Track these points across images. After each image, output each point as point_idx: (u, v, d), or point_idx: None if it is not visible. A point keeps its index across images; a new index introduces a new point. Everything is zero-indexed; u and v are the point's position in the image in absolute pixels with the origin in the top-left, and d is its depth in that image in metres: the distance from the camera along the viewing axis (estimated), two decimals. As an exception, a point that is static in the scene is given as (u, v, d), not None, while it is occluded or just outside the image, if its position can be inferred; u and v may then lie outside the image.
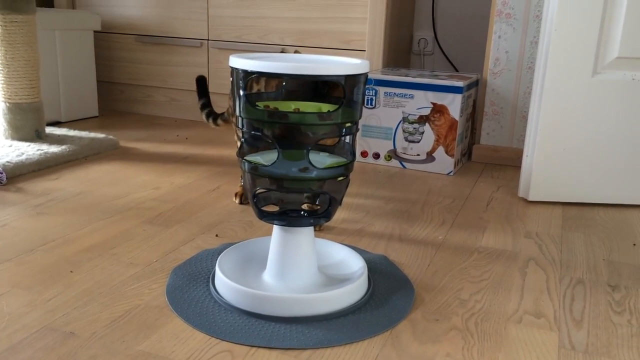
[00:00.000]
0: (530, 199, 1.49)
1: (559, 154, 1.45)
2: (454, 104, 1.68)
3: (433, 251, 1.16)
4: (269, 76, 0.81)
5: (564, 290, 1.01)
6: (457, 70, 2.25)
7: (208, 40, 2.18)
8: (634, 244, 1.24)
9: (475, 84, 1.85)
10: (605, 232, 1.31)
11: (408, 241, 1.20)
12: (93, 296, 0.91)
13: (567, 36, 1.37)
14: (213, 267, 1.01)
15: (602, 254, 1.18)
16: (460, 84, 1.67)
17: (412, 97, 1.71)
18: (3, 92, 1.69)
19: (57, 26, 2.08)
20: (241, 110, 0.85)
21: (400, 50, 2.19)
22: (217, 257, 1.05)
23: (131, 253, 1.08)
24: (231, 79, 0.86)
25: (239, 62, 0.83)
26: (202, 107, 1.50)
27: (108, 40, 2.35)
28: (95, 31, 2.28)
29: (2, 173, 1.42)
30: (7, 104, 1.70)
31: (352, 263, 1.00)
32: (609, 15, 1.36)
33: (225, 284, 0.90)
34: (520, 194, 1.52)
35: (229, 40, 2.15)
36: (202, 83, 1.49)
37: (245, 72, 0.82)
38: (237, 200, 1.37)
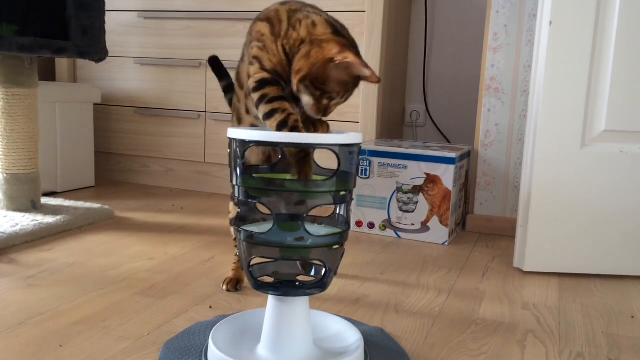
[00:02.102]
0: (526, 269, 1.49)
1: (553, 225, 1.46)
2: (447, 175, 1.70)
3: (430, 323, 1.14)
4: (266, 145, 0.83)
5: (564, 364, 0.99)
6: (449, 142, 2.30)
7: (205, 112, 2.24)
8: (632, 316, 1.23)
9: (467, 155, 1.89)
10: (603, 304, 1.30)
11: (405, 312, 1.19)
12: (82, 371, 0.89)
13: (555, 110, 1.41)
14: (206, 340, 0.99)
15: (600, 327, 1.17)
16: (452, 154, 1.70)
17: (405, 167, 1.74)
18: (1, 163, 1.71)
19: (58, 99, 2.13)
20: (238, 179, 0.86)
21: (393, 122, 2.24)
22: (211, 329, 1.03)
23: (123, 326, 1.06)
24: (229, 150, 0.88)
25: (236, 132, 0.85)
26: (225, 90, 1.31)
27: (107, 112, 2.40)
28: (95, 104, 2.34)
29: (-5, 243, 1.41)
30: (5, 175, 1.71)
31: (348, 336, 0.98)
32: (594, 90, 1.41)
33: (218, 358, 0.88)
34: (516, 264, 1.52)
35: (226, 112, 2.20)
36: (216, 63, 1.31)
37: (243, 141, 0.84)
38: (225, 287, 1.26)
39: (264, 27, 0.97)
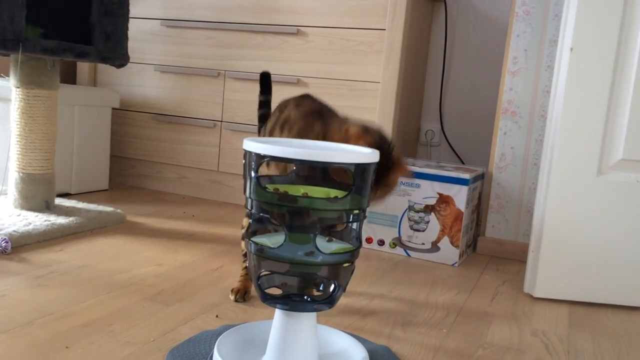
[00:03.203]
0: (536, 295, 1.47)
1: (566, 252, 1.45)
2: (460, 195, 1.69)
3: (437, 344, 1.13)
4: (281, 160, 0.83)
5: (572, 394, 0.98)
6: (463, 163, 2.29)
7: (221, 121, 2.25)
8: (644, 348, 1.21)
9: (481, 176, 1.88)
10: (614, 335, 1.28)
11: (412, 332, 1.18)
12: (86, 374, 0.89)
13: (572, 136, 1.40)
14: (212, 349, 0.99)
15: (610, 358, 1.15)
16: (466, 176, 1.69)
17: (418, 186, 1.73)
18: (18, 162, 1.73)
19: (77, 102, 2.15)
20: (251, 191, 0.86)
21: (408, 140, 2.24)
22: (216, 339, 1.03)
23: (129, 331, 1.06)
24: (243, 161, 0.88)
25: (252, 145, 0.85)
26: (261, 105, 1.36)
27: (125, 117, 2.43)
28: (113, 108, 2.36)
29: (7, 242, 1.42)
30: (21, 174, 1.73)
31: (354, 353, 0.97)
32: (613, 118, 1.40)
33: (222, 369, 0.87)
34: (526, 289, 1.50)
35: (241, 122, 2.21)
36: (267, 79, 1.36)
37: (258, 155, 0.84)
38: (233, 297, 1.26)
39: None
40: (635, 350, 1.19)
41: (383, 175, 1.04)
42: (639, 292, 1.45)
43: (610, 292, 1.46)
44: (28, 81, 1.70)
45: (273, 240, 0.90)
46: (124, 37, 1.81)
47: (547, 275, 1.46)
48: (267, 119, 1.37)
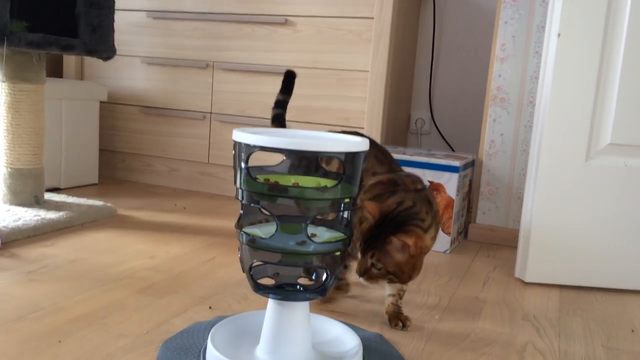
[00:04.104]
0: (527, 280, 1.48)
1: (555, 237, 1.46)
2: (451, 183, 1.70)
3: (429, 330, 1.14)
4: (271, 151, 0.83)
5: (563, 376, 0.99)
6: (453, 150, 2.30)
7: (211, 113, 2.24)
8: (633, 330, 1.22)
9: (471, 164, 1.88)
10: (604, 318, 1.29)
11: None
12: (80, 368, 0.89)
13: (560, 122, 1.41)
14: (205, 340, 0.99)
15: (600, 340, 1.16)
16: (456, 163, 1.70)
17: (409, 175, 1.73)
18: (6, 158, 1.71)
19: (64, 96, 2.14)
20: (241, 182, 0.86)
21: (398, 129, 2.24)
22: (210, 330, 1.03)
23: (122, 324, 1.06)
24: (233, 151, 0.88)
25: (241, 136, 0.85)
26: (276, 105, 1.35)
27: (113, 111, 2.41)
28: (101, 102, 2.34)
29: (-3, 237, 1.41)
30: (9, 169, 1.71)
31: (347, 341, 0.98)
32: (601, 103, 1.41)
33: (216, 359, 0.88)
34: (517, 274, 1.52)
35: (231, 114, 2.20)
36: (291, 78, 1.34)
37: (247, 145, 0.84)
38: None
39: None
40: (625, 332, 1.21)
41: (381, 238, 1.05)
42: (628, 275, 1.47)
43: (599, 276, 1.47)
44: (14, 75, 1.68)
45: (264, 230, 0.91)
46: (110, 29, 1.79)
47: (537, 260, 1.47)
48: (281, 121, 1.35)
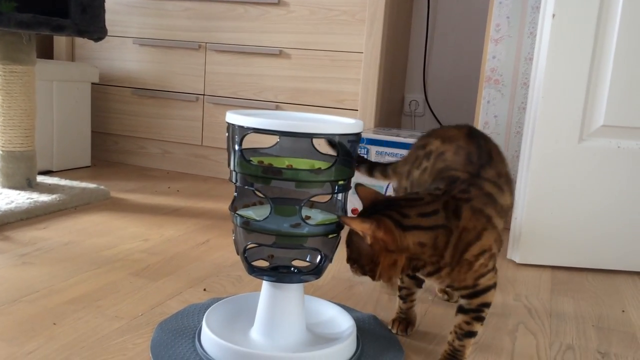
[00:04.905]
0: (519, 261, 1.49)
1: (548, 218, 1.47)
2: (444, 165, 1.70)
3: (422, 312, 1.15)
4: (264, 132, 0.82)
5: (554, 356, 1.00)
6: (447, 132, 2.30)
7: (204, 95, 2.22)
8: (623, 311, 1.24)
9: (465, 146, 1.88)
10: (595, 298, 1.31)
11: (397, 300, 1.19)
12: (75, 350, 0.89)
13: (554, 104, 1.41)
14: (200, 322, 0.99)
15: (591, 320, 1.18)
16: (450, 145, 1.70)
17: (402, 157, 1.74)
18: (-3, 140, 1.70)
19: (55, 77, 2.11)
20: (235, 164, 0.86)
21: (392, 111, 2.24)
22: (204, 312, 1.03)
23: (116, 306, 1.06)
24: (227, 133, 0.87)
25: (235, 118, 0.84)
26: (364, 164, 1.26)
27: (105, 92, 2.39)
28: (93, 83, 2.32)
29: (-11, 220, 1.41)
30: (1, 152, 1.70)
31: (341, 322, 0.98)
32: (594, 84, 1.41)
33: (211, 340, 0.88)
34: (509, 256, 1.53)
35: (224, 95, 2.19)
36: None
37: (241, 127, 0.84)
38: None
39: None
40: (615, 312, 1.23)
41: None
42: (619, 255, 1.48)
43: (591, 257, 1.49)
44: (3, 57, 1.66)
45: (258, 212, 0.91)
46: (101, 10, 1.77)
47: (529, 241, 1.48)
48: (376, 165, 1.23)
